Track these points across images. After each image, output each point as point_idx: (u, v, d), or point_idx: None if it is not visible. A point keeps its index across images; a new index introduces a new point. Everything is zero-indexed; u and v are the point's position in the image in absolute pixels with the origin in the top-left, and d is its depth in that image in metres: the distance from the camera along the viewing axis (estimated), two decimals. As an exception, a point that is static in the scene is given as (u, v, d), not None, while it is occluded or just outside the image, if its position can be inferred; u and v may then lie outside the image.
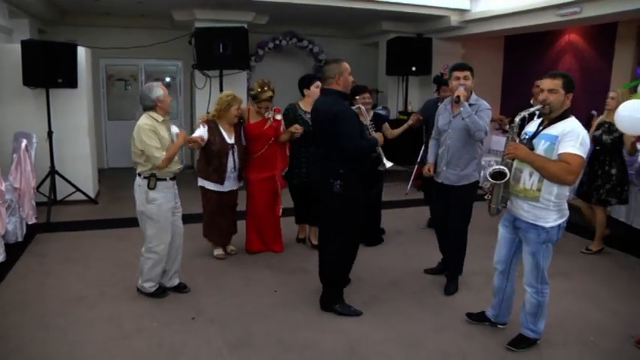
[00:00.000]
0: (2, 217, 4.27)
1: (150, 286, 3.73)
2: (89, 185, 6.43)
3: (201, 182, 4.45)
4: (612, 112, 4.52)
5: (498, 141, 7.87)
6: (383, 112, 6.72)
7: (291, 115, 4.58)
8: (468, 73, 3.71)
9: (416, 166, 7.51)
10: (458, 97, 3.59)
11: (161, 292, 3.77)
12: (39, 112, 5.98)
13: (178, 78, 9.30)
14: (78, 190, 6.20)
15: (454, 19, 7.86)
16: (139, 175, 3.58)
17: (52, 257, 4.57)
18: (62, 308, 3.58)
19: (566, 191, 2.90)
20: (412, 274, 4.29)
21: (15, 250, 4.64)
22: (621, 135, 4.56)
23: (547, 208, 2.87)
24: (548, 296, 3.07)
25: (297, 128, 4.38)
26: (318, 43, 9.23)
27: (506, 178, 2.92)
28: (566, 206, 2.94)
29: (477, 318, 3.44)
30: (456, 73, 3.72)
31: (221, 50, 6.94)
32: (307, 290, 3.94)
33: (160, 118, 3.57)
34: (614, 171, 4.73)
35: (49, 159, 5.99)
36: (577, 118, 2.93)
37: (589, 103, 7.86)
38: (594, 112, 6.41)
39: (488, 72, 9.07)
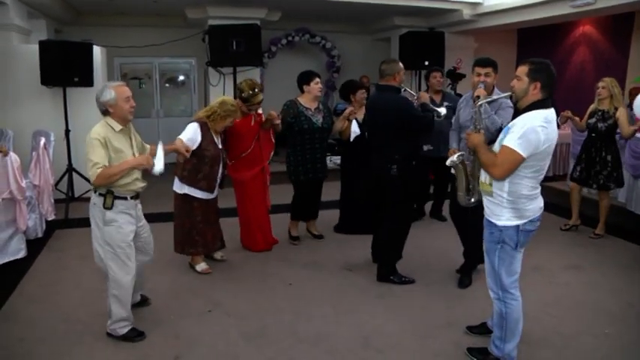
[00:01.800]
0: (24, 214, 4.39)
1: (122, 326, 3.12)
2: (106, 182, 6.54)
3: (185, 189, 3.98)
4: (604, 101, 4.90)
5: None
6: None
7: (292, 111, 4.51)
8: (490, 70, 3.56)
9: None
10: (477, 96, 3.34)
11: (136, 334, 3.14)
12: (56, 110, 6.10)
13: (192, 75, 9.40)
14: (95, 186, 6.30)
15: (466, 13, 7.83)
16: (95, 191, 3.03)
17: (70, 252, 4.68)
18: (81, 301, 3.68)
19: (524, 190, 2.59)
20: (425, 267, 4.31)
21: (35, 245, 4.75)
22: (615, 122, 4.83)
23: (500, 205, 2.65)
24: (516, 312, 2.74)
25: (271, 114, 4.30)
26: (330, 39, 9.26)
27: (454, 164, 2.98)
28: (529, 207, 2.62)
29: (479, 330, 3.23)
30: (478, 69, 3.56)
31: (234, 47, 7.01)
32: (321, 283, 4.00)
33: (118, 127, 2.97)
34: (609, 157, 4.97)
35: (66, 157, 6.12)
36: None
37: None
38: None
39: (501, 65, 8.79)
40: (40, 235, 4.96)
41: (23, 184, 4.37)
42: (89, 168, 2.88)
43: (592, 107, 5.06)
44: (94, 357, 2.97)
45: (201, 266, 4.18)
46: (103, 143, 2.89)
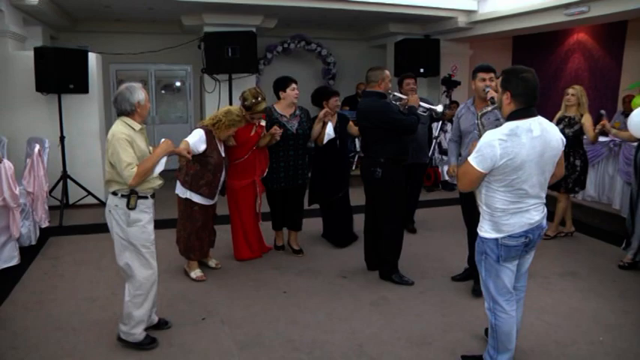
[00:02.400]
0: (16, 221, 4.36)
1: (140, 331, 3.10)
2: (100, 189, 6.51)
3: (187, 194, 4.02)
4: (571, 108, 5.07)
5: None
6: (346, 112, 6.68)
7: (266, 119, 4.42)
8: (492, 75, 3.68)
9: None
10: (492, 98, 3.38)
11: (150, 340, 3.13)
12: (51, 117, 6.09)
13: (188, 82, 9.41)
14: (89, 193, 6.29)
15: (461, 20, 7.87)
16: (115, 194, 3.00)
17: (64, 260, 4.65)
18: (75, 309, 3.65)
19: (498, 204, 2.53)
20: (421, 274, 4.30)
21: (29, 253, 4.73)
22: (581, 127, 4.99)
23: (482, 216, 2.64)
24: (507, 326, 2.68)
25: (275, 129, 4.29)
26: (326, 46, 9.29)
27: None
28: (508, 221, 2.54)
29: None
30: (482, 75, 3.69)
31: (229, 54, 7.03)
32: (316, 290, 3.99)
33: (138, 127, 3.02)
34: (578, 162, 5.12)
35: (61, 163, 6.09)
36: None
37: (598, 102, 7.84)
38: (603, 112, 6.42)
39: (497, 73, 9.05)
40: (33, 242, 4.93)
41: (17, 191, 4.34)
42: (122, 169, 2.87)
43: (559, 114, 5.18)
44: (86, 366, 2.95)
45: (196, 273, 4.18)
46: (130, 142, 2.92)
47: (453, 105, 5.21)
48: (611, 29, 7.74)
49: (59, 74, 5.77)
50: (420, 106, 4.20)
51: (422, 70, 8.11)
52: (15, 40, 6.20)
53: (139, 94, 2.99)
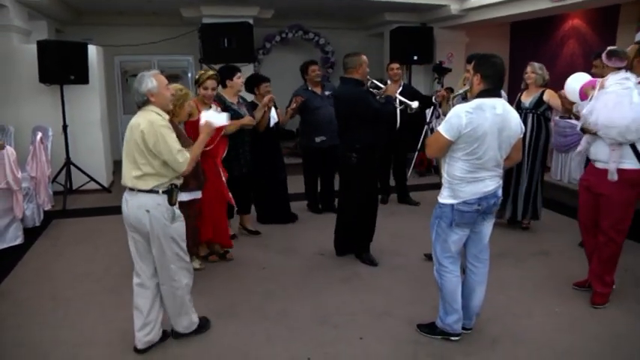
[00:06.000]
0: (19, 202, 4.70)
1: (195, 316, 3.13)
2: (103, 175, 6.87)
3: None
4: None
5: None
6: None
7: (221, 105, 4.29)
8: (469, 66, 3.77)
9: (417, 153, 7.74)
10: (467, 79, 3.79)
11: (205, 320, 3.23)
12: (55, 107, 6.41)
13: (190, 72, 9.69)
14: (92, 179, 6.64)
15: (454, 8, 8.01)
16: (155, 191, 2.80)
17: (65, 240, 5.00)
18: (71, 282, 3.98)
19: (458, 172, 2.81)
20: (396, 253, 4.53)
21: (32, 233, 5.08)
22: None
23: (444, 184, 2.93)
24: (451, 285, 2.98)
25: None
26: (324, 35, 9.46)
27: None
28: (464, 189, 2.81)
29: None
30: (467, 66, 3.98)
31: (226, 44, 7.27)
32: (292, 267, 4.26)
33: (166, 116, 2.87)
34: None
35: (64, 151, 6.44)
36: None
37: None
38: None
39: (494, 59, 9.13)
40: (37, 224, 5.28)
41: (19, 175, 4.68)
42: (175, 155, 2.74)
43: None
44: (77, 329, 3.26)
45: (195, 263, 4.04)
46: (171, 128, 2.83)
47: (444, 90, 5.47)
48: (604, 14, 7.76)
49: (61, 66, 6.08)
50: (396, 98, 4.35)
51: (415, 58, 8.26)
52: (20, 34, 6.53)
53: (148, 82, 2.78)
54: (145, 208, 2.79)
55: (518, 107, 4.92)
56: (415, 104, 4.43)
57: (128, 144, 2.82)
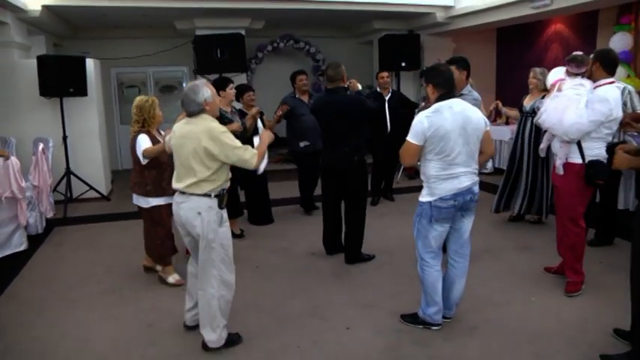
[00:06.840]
0: (23, 210, 4.91)
1: (224, 326, 3.10)
2: (102, 184, 7.08)
3: (152, 202, 3.94)
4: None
5: (498, 130, 8.05)
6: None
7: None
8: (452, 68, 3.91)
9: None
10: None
11: (237, 337, 3.20)
12: (55, 119, 6.64)
13: (185, 82, 9.94)
14: (91, 188, 6.86)
15: (440, 16, 8.27)
16: (208, 195, 2.90)
17: (67, 245, 5.21)
18: (75, 284, 4.19)
19: (432, 171, 3.02)
20: (385, 251, 4.72)
21: (36, 240, 5.30)
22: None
23: (423, 185, 3.15)
24: (432, 278, 3.19)
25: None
26: (315, 44, 9.71)
27: None
28: (439, 186, 3.02)
29: None
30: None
31: (219, 55, 7.51)
32: (285, 265, 4.49)
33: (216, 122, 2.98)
34: None
35: (64, 161, 6.65)
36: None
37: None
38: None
39: (481, 64, 9.36)
40: (40, 231, 5.50)
41: (23, 184, 4.90)
42: (242, 153, 2.86)
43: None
44: (82, 325, 3.46)
45: (174, 277, 4.09)
46: (229, 132, 2.92)
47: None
48: (584, 19, 8.04)
49: (60, 79, 6.31)
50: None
51: (403, 64, 8.52)
52: (20, 49, 6.77)
53: (204, 91, 2.89)
54: (197, 210, 2.89)
55: (520, 111, 5.26)
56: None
57: (182, 150, 2.91)
